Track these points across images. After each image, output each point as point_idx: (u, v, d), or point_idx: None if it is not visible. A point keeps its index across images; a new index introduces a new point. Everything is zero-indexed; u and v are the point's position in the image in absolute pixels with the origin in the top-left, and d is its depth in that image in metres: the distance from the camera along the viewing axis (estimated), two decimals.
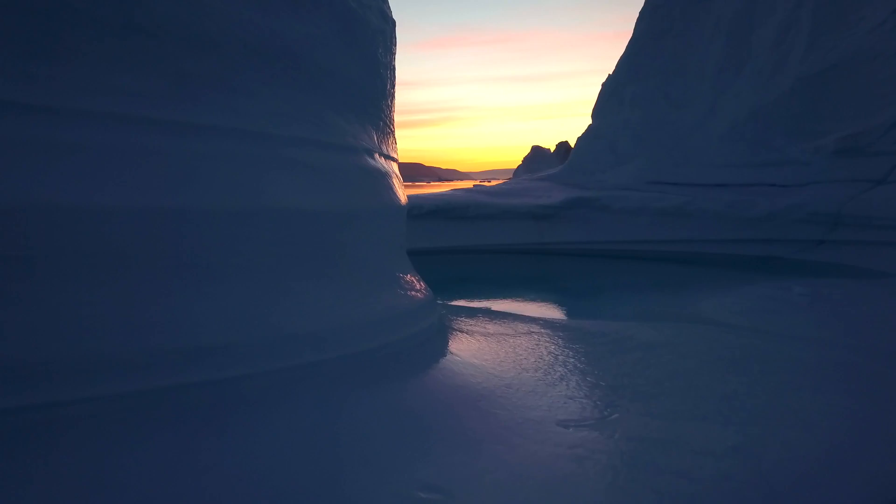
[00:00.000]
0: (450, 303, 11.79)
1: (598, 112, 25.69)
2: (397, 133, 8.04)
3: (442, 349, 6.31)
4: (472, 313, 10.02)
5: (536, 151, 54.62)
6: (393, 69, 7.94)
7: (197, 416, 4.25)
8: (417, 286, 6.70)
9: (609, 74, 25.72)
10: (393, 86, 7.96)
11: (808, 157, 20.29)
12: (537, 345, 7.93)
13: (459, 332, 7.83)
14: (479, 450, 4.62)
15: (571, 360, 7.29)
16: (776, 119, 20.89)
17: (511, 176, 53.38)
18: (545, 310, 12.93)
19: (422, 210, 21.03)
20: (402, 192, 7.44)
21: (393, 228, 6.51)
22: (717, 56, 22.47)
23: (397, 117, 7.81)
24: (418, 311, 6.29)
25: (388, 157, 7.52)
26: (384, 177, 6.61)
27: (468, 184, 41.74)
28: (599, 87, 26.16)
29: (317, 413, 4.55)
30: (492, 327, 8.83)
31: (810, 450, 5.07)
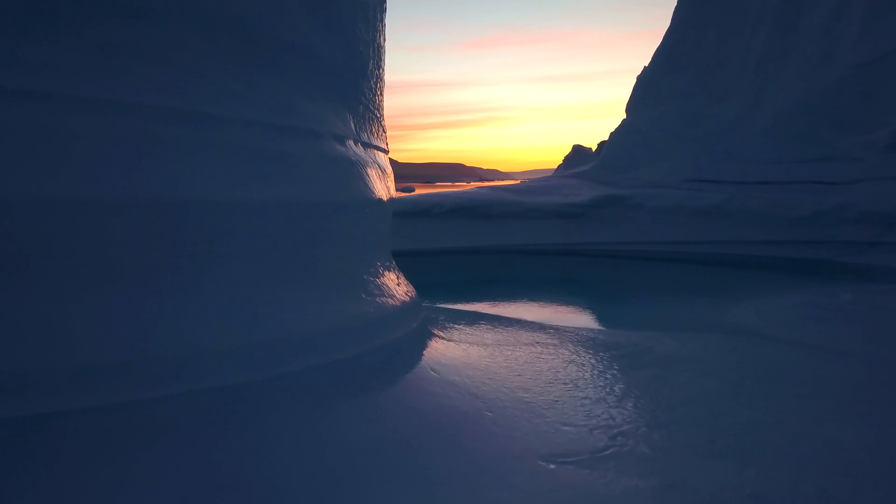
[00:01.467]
0: (454, 307, 10.95)
1: (632, 106, 24.47)
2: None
3: (415, 364, 5.47)
4: (474, 320, 9.15)
5: (578, 151, 53.74)
6: (379, 48, 7.14)
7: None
8: (393, 291, 5.88)
9: (645, 66, 24.48)
10: (378, 66, 7.15)
11: (859, 152, 18.79)
12: (538, 358, 7.03)
13: (449, 341, 6.97)
14: (429, 495, 3.77)
15: (574, 377, 6.37)
16: (825, 111, 19.42)
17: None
18: (562, 315, 11.97)
19: (442, 208, 20.22)
20: (384, 186, 6.62)
21: (365, 225, 5.71)
22: (761, 45, 21.06)
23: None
24: (389, 319, 5.47)
25: (369, 146, 6.71)
26: (356, 167, 5.80)
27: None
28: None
29: (218, 453, 3.77)
30: (491, 336, 7.95)
31: (852, 500, 4.08)
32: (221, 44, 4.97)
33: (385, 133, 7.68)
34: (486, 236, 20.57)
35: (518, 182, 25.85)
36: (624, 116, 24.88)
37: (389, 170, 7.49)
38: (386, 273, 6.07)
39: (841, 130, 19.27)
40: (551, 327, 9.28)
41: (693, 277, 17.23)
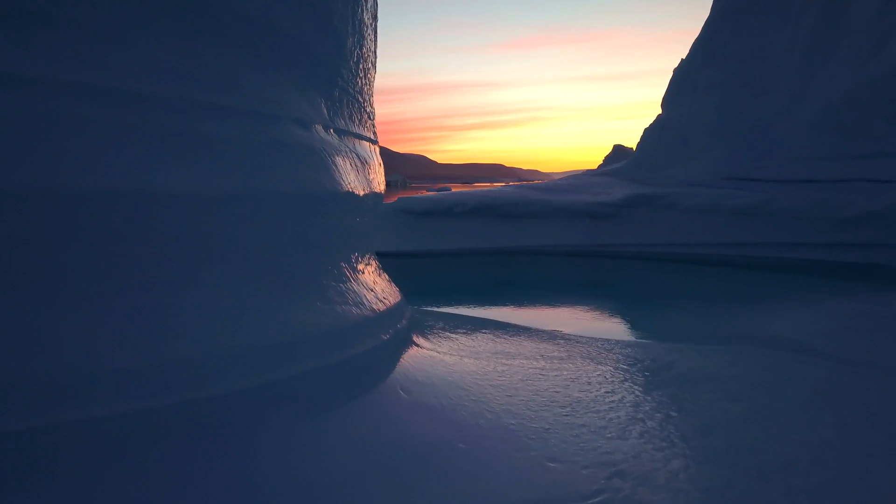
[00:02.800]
0: (462, 312, 10.13)
1: (668, 101, 23.28)
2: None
3: (379, 383, 4.70)
4: (477, 327, 8.35)
5: (618, 151, 52.67)
6: (361, 24, 6.40)
7: None
8: (362, 297, 5.12)
9: (682, 59, 23.27)
10: (360, 45, 6.41)
11: None
12: (539, 374, 6.20)
13: (437, 354, 6.19)
14: None
15: (575, 398, 5.53)
16: (876, 104, 18.01)
17: None
18: (581, 322, 11.06)
19: (465, 207, 19.41)
20: (362, 178, 5.88)
21: (328, 222, 4.97)
22: (807, 34, 19.71)
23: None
24: (352, 330, 4.71)
25: (346, 133, 5.98)
26: (320, 156, 5.06)
27: None
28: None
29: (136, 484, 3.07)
30: (489, 346, 7.14)
31: None
32: (156, 10, 4.29)
33: (372, 121, 6.94)
34: (511, 237, 19.69)
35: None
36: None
37: (375, 161, 6.75)
38: (356, 277, 5.32)
39: (894, 124, 17.83)
40: (563, 337, 8.42)
41: (729, 282, 16.08)
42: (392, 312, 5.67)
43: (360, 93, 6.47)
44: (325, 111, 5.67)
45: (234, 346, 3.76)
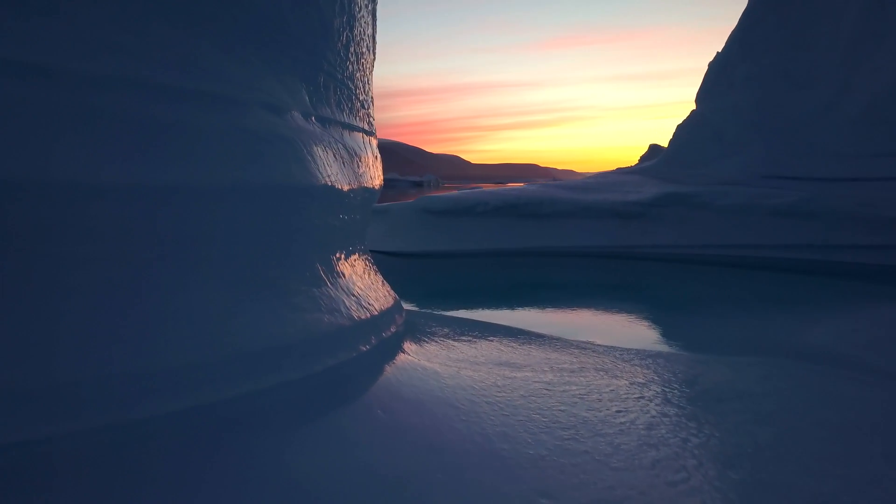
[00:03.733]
0: (474, 316, 9.54)
1: (702, 95, 22.32)
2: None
3: (351, 402, 4.15)
4: (485, 333, 7.76)
5: (654, 150, 51.72)
6: (357, 6, 5.88)
7: None
8: (340, 303, 4.58)
9: (717, 52, 22.29)
10: (351, 27, 5.89)
11: None
12: (545, 389, 5.59)
13: (431, 365, 5.61)
14: None
15: (582, 419, 4.91)
16: None
17: None
18: (603, 329, 10.38)
19: (487, 206, 18.80)
20: (349, 172, 5.35)
21: (300, 219, 4.44)
22: (852, 24, 18.62)
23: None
24: (324, 340, 4.17)
25: (333, 122, 5.46)
26: (294, 146, 4.53)
27: None
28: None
29: None
30: (494, 355, 6.55)
31: None
32: None
33: (366, 110, 6.41)
34: (535, 237, 19.01)
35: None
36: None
37: (369, 154, 6.22)
38: (334, 281, 4.78)
39: None
40: (577, 346, 7.78)
41: (764, 287, 15.16)
42: (378, 319, 5.12)
43: (351, 79, 5.94)
44: (307, 97, 5.16)
45: (161, 363, 3.25)
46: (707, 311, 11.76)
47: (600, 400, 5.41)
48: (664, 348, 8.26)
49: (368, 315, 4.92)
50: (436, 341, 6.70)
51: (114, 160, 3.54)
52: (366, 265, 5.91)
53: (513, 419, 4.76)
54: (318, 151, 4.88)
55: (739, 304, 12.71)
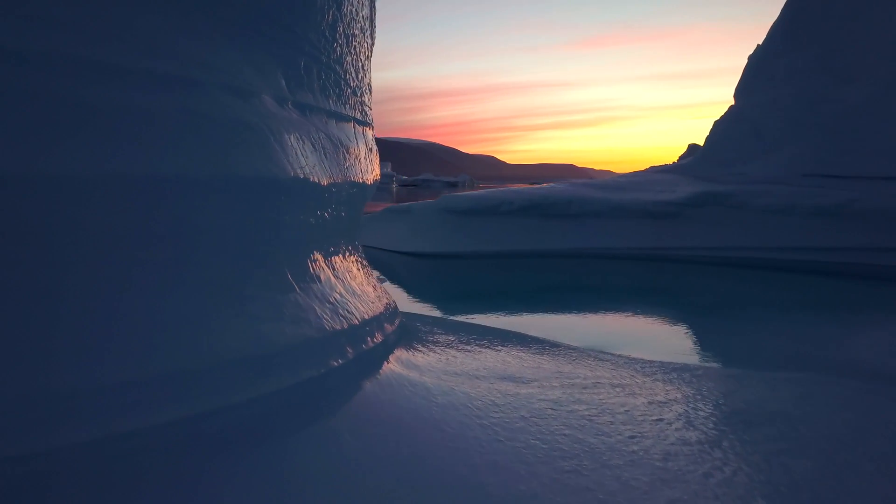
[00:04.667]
0: (490, 321, 8.91)
1: (741, 90, 21.31)
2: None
3: (314, 425, 3.61)
4: (495, 341, 7.17)
5: (693, 150, 50.38)
6: None
7: None
8: (308, 311, 4.05)
9: (758, 45, 21.26)
10: (345, 8, 5.37)
11: None
12: (552, 408, 4.97)
13: (421, 379, 5.05)
14: None
15: (589, 446, 4.29)
16: None
17: None
18: (626, 337, 9.68)
19: (512, 206, 18.13)
20: (332, 165, 4.82)
21: (266, 216, 3.93)
22: None
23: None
24: (283, 354, 3.64)
25: (316, 110, 4.95)
26: (260, 133, 4.02)
27: None
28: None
29: None
30: (499, 367, 5.94)
31: None
32: None
33: (359, 97, 5.88)
34: (561, 238, 18.28)
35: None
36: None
37: (361, 146, 5.69)
38: (306, 286, 4.25)
39: None
40: (595, 356, 7.14)
41: (806, 293, 14.20)
42: (359, 328, 4.58)
43: (339, 63, 5.41)
44: (283, 81, 4.64)
45: (85, 385, 2.75)
46: (742, 320, 10.95)
47: (612, 423, 4.77)
48: (691, 360, 7.56)
49: (346, 324, 4.38)
50: (435, 351, 6.13)
51: (34, 149, 3.07)
52: (353, 267, 5.38)
53: (507, 445, 4.16)
54: (291, 141, 4.36)
55: (778, 311, 11.85)
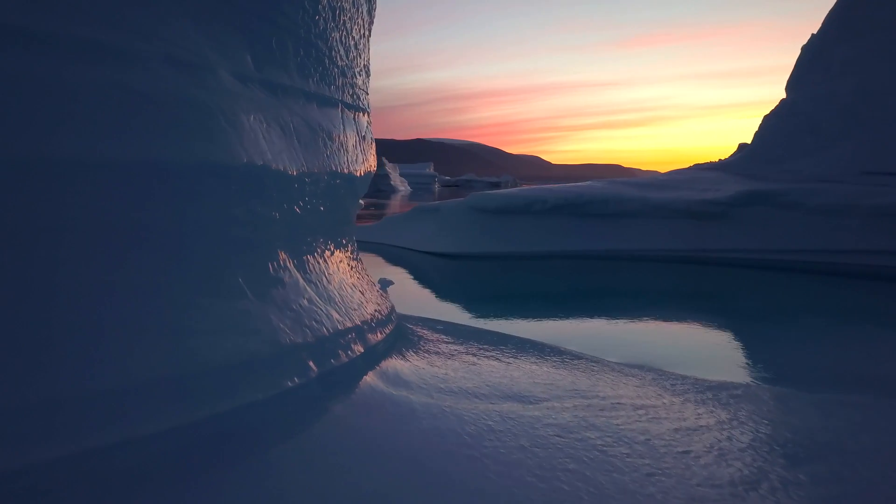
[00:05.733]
0: (514, 328, 8.19)
1: (794, 82, 20.03)
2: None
3: (246, 460, 3.00)
4: (507, 350, 6.47)
5: (744, 150, 48.52)
6: None
7: None
8: (272, 320, 3.45)
9: (812, 34, 19.96)
10: None
11: None
12: (559, 434, 4.27)
13: (406, 396, 4.40)
14: None
15: (596, 487, 3.58)
16: None
17: None
18: (659, 347, 8.84)
19: (545, 205, 17.33)
20: (304, 152, 4.23)
21: (210, 207, 3.35)
22: None
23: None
24: (224, 373, 3.06)
25: (290, 91, 4.36)
26: (213, 113, 3.45)
27: None
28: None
29: None
30: (504, 382, 5.25)
31: None
32: None
33: (348, 79, 5.26)
34: (598, 238, 17.38)
35: None
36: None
37: (347, 132, 5.08)
38: (262, 290, 3.65)
39: None
40: (621, 370, 6.39)
41: (865, 301, 13.04)
42: (330, 340, 3.96)
43: (323, 39, 4.81)
44: (249, 57, 4.06)
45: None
46: (791, 331, 9.96)
47: (628, 455, 4.04)
48: (730, 377, 6.72)
49: (312, 336, 3.76)
50: (434, 363, 5.47)
51: None
52: (337, 267, 4.77)
53: (496, 484, 3.48)
54: (250, 123, 3.77)
55: (833, 322, 10.80)
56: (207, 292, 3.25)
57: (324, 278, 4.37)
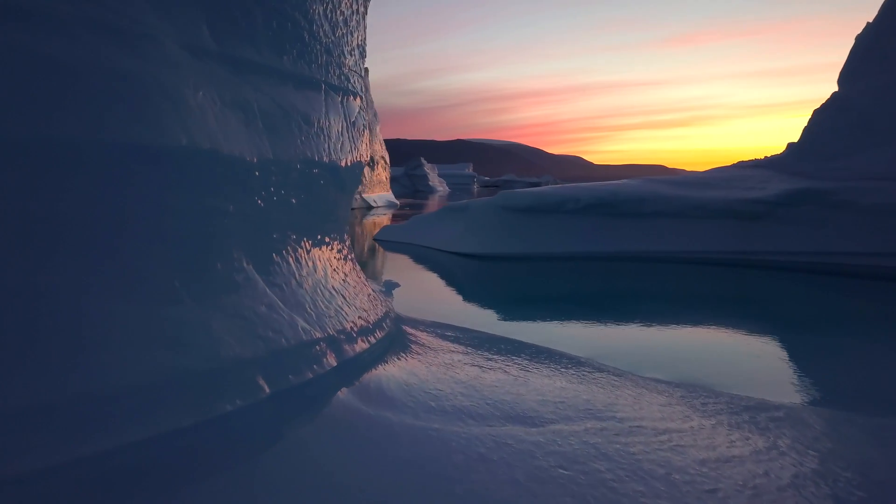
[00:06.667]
0: (516, 334, 7.54)
1: (847, 75, 18.81)
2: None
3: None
4: (520, 360, 5.84)
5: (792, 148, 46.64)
6: None
7: None
8: (211, 329, 2.93)
9: (867, 23, 18.73)
10: None
11: None
12: (564, 468, 3.66)
13: (385, 416, 3.84)
14: None
15: None
16: None
17: None
18: (699, 359, 8.07)
19: (578, 203, 16.56)
20: (269, 137, 3.71)
21: (140, 195, 2.85)
22: None
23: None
24: (128, 396, 2.55)
25: (259, 69, 3.84)
26: (146, 90, 2.95)
27: None
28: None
29: None
30: (508, 399, 4.64)
31: None
32: None
33: (334, 57, 4.73)
34: (633, 239, 16.53)
35: None
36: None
37: (330, 118, 4.55)
38: (206, 296, 3.13)
39: None
40: (646, 385, 5.71)
41: None
42: (293, 351, 3.42)
43: (302, 12, 4.28)
44: (205, 27, 3.55)
45: None
46: (846, 343, 9.07)
47: (643, 494, 3.41)
48: (772, 395, 5.96)
49: (265, 350, 3.22)
50: (430, 376, 4.88)
51: None
52: (312, 269, 4.23)
53: None
54: (197, 100, 3.25)
55: (892, 333, 9.85)
56: (125, 297, 2.74)
57: (293, 281, 3.84)
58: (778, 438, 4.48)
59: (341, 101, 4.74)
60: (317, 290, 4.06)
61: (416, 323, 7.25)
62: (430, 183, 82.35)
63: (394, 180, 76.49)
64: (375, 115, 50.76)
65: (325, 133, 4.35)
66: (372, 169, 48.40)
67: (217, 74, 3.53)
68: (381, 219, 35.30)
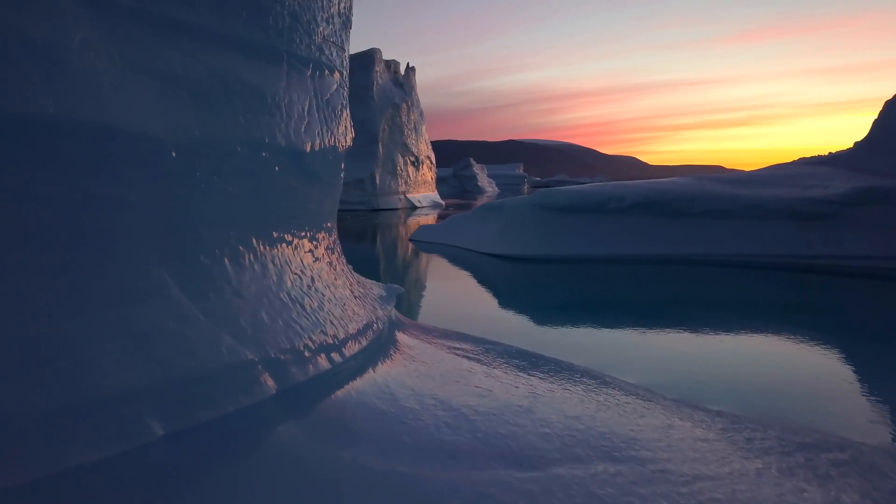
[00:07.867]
0: (535, 346, 6.69)
1: None
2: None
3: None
4: (542, 377, 5.04)
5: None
6: None
7: None
8: (85, 357, 2.27)
9: None
10: None
11: None
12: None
13: (344, 456, 3.11)
14: None
15: None
16: None
17: None
18: (750, 377, 7.07)
19: (622, 202, 15.51)
20: (178, 112, 3.02)
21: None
22: None
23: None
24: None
25: (188, 30, 3.18)
26: (20, 48, 2.32)
27: None
28: None
29: None
30: (506, 428, 3.85)
31: None
32: None
33: (300, 23, 4.03)
34: (681, 241, 15.38)
35: None
36: None
37: (292, 96, 3.89)
38: (77, 310, 2.46)
39: None
40: (680, 411, 4.82)
41: None
42: (208, 379, 2.72)
43: None
44: None
45: None
46: None
47: None
48: (836, 428, 4.99)
49: (163, 377, 2.53)
50: (414, 400, 4.12)
51: None
52: (260, 273, 3.53)
53: None
54: (88, 62, 2.59)
55: None
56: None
57: (226, 288, 3.15)
58: (842, 491, 3.57)
59: (311, 75, 4.04)
60: (262, 299, 3.36)
61: (420, 331, 6.51)
62: (479, 183, 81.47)
63: (442, 181, 75.85)
64: (421, 114, 50.38)
65: (283, 111, 3.65)
66: (417, 169, 47.97)
67: (126, 33, 2.87)
68: (425, 219, 34.71)
